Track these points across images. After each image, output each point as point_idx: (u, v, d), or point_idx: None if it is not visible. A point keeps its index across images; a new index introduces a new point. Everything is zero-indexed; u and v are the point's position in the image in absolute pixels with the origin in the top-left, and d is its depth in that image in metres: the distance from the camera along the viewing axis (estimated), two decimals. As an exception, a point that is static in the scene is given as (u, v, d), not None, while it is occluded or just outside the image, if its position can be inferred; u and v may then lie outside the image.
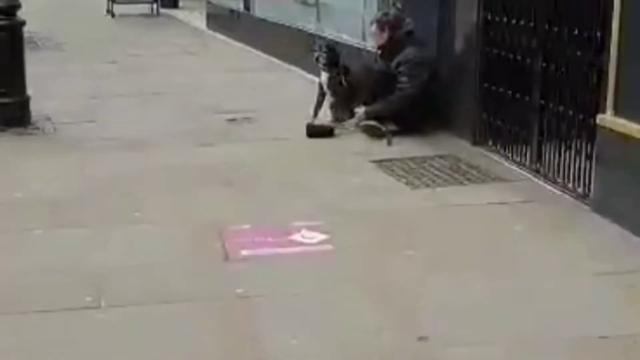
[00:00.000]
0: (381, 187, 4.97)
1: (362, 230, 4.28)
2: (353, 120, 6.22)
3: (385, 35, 6.08)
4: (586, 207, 4.48)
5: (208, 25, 12.72)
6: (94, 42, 11.37)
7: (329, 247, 4.08)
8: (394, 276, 3.72)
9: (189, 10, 15.33)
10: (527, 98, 5.17)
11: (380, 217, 4.46)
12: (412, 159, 5.50)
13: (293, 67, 9.01)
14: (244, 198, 4.84)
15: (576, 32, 4.61)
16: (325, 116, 6.42)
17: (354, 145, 5.88)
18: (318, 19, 8.60)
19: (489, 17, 5.54)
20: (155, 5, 14.82)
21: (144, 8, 14.79)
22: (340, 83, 6.34)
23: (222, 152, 5.77)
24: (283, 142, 6.01)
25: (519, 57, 5.23)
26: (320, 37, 8.21)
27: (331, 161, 5.54)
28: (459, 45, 5.95)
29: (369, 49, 7.32)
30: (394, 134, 6.00)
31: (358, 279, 3.70)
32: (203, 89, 8.05)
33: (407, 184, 5.01)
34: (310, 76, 8.39)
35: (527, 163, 5.17)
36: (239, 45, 10.97)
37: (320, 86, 6.47)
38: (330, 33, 8.18)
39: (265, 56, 9.91)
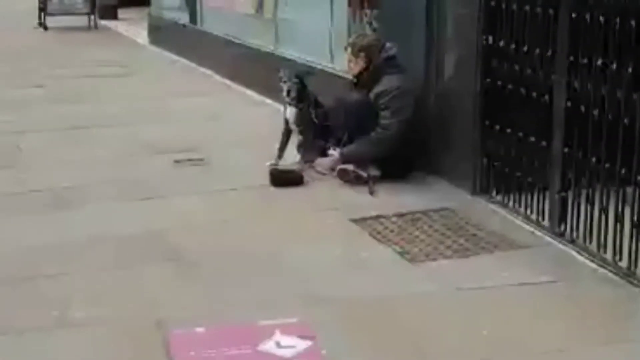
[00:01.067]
0: (370, 260, 3.94)
1: (354, 332, 3.22)
2: (326, 163, 5.21)
3: (362, 62, 5.06)
4: (635, 289, 3.55)
5: (150, 39, 11.59)
6: (20, 60, 10.15)
7: (313, 363, 3.06)
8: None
9: (129, 22, 14.16)
10: (544, 143, 4.23)
11: (377, 309, 3.41)
12: (402, 215, 4.49)
13: (249, 91, 7.93)
14: (195, 281, 3.74)
15: (615, 66, 3.69)
16: (292, 157, 5.39)
17: (329, 197, 4.84)
18: (276, 36, 7.58)
19: (491, 42, 4.59)
20: (92, 17, 13.61)
21: (80, 20, 13.57)
22: (311, 119, 5.35)
23: (166, 210, 4.66)
24: (242, 194, 4.92)
25: (533, 93, 4.29)
26: (282, 59, 7.18)
27: (303, 222, 4.47)
28: (452, 74, 4.96)
29: (339, 73, 6.32)
30: (376, 180, 5.02)
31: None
32: (145, 119, 6.92)
33: (402, 254, 3.99)
34: (269, 101, 7.37)
35: (547, 223, 4.21)
36: (185, 62, 9.86)
37: (286, 122, 5.43)
38: (291, 53, 7.17)
39: (216, 77, 8.81)
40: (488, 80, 4.64)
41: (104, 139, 6.31)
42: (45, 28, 13.30)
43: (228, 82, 8.45)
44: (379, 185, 4.95)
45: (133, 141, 6.15)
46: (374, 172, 5.03)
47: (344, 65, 6.19)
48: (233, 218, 4.53)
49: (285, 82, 5.29)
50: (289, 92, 5.24)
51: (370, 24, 5.88)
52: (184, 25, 10.09)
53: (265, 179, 5.08)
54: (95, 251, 4.09)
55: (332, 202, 4.75)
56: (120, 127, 6.66)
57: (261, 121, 6.70)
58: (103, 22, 13.97)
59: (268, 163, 5.39)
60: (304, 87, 5.30)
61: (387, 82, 4.98)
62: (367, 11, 5.95)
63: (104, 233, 4.32)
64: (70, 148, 6.10)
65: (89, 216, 4.62)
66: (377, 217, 4.47)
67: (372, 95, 5.00)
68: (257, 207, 4.71)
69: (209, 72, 9.03)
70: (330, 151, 5.17)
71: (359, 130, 4.97)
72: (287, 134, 5.44)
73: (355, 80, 5.20)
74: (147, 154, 5.83)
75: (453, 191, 4.86)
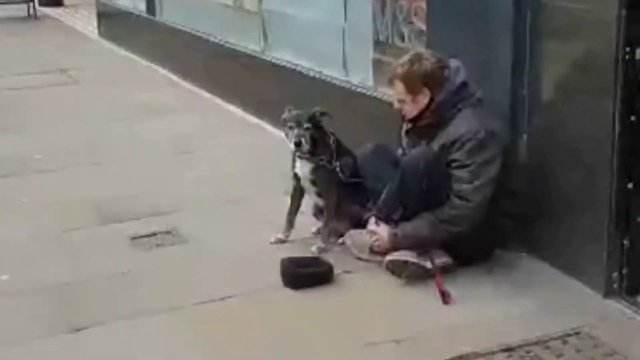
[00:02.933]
0: None
1: None
2: (365, 243, 3.40)
3: (423, 98, 3.22)
4: None
5: (100, 31, 9.61)
6: None
7: None
8: None
9: (76, 9, 12.11)
10: None
11: None
12: (510, 351, 2.72)
13: (229, 105, 6.05)
14: None
15: None
16: (307, 222, 3.64)
17: (379, 312, 3.01)
18: (263, 34, 5.72)
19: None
20: (32, 5, 11.54)
21: (19, 9, 11.49)
22: (334, 174, 3.49)
23: (114, 354, 2.84)
24: (235, 312, 3.05)
25: None
26: (272, 65, 5.34)
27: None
28: (562, 106, 3.15)
29: (358, 89, 4.53)
30: (446, 271, 3.27)
31: None
32: (89, 158, 4.98)
33: None
34: (258, 121, 5.57)
35: None
36: (144, 63, 7.90)
37: (297, 179, 3.61)
38: (285, 58, 5.31)
39: (184, 84, 6.87)
40: (633, 118, 2.90)
41: (25, 196, 4.34)
42: (-25, 20, 11.25)
43: (199, 90, 6.54)
44: (452, 277, 3.21)
45: (67, 201, 4.23)
46: (443, 258, 3.25)
47: (365, 79, 4.46)
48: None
49: (291, 127, 3.46)
50: (299, 143, 3.43)
51: (410, 23, 4.09)
52: (137, 16, 8.18)
53: (273, 274, 3.26)
54: None
55: (385, 323, 2.94)
56: (51, 173, 4.72)
57: (252, 155, 4.89)
58: (45, 11, 11.92)
59: (273, 239, 3.61)
60: (320, 132, 3.50)
61: (461, 125, 3.15)
62: (403, 3, 4.14)
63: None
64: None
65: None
66: (470, 357, 2.73)
67: (436, 145, 3.19)
68: (261, 341, 2.85)
69: (174, 77, 7.07)
70: (372, 225, 3.33)
71: (421, 201, 3.16)
72: (298, 195, 3.62)
73: (408, 125, 3.34)
74: (88, 225, 3.92)
75: (573, 289, 3.09)
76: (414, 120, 3.27)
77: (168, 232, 3.81)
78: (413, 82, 3.18)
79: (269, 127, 5.40)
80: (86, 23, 10.51)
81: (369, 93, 4.37)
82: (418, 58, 3.22)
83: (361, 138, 3.78)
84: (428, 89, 3.17)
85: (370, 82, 4.39)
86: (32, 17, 11.40)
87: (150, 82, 7.08)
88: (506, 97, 3.32)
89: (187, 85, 6.76)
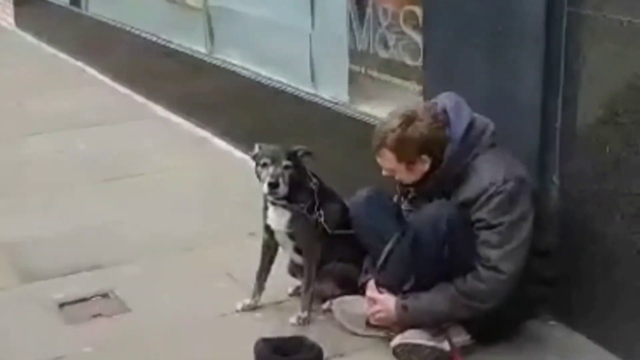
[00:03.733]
0: None
1: None
2: (360, 316, 2.68)
3: (421, 166, 2.49)
4: None
5: (17, 21, 8.59)
6: None
7: None
8: None
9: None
10: None
11: None
12: None
13: (167, 112, 5.24)
14: None
15: None
16: (281, 283, 2.95)
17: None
18: (210, 34, 4.91)
19: None
20: (-62, -11, 10.37)
21: None
22: (318, 226, 2.76)
23: None
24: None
25: None
26: (221, 71, 4.56)
27: None
28: (614, 145, 2.45)
29: (330, 105, 3.82)
30: (466, 351, 2.61)
31: None
32: (1, 188, 4.13)
33: None
34: (202, 133, 4.82)
35: None
36: (69, 61, 6.93)
37: (269, 232, 2.87)
38: (238, 64, 4.55)
39: (115, 86, 5.99)
40: None
41: None
42: None
43: (134, 96, 5.62)
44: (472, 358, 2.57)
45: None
46: (462, 336, 2.59)
47: (339, 93, 3.75)
48: None
49: (265, 165, 2.73)
50: (274, 184, 2.70)
51: (395, 28, 3.35)
52: (59, 6, 7.23)
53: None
54: None
55: None
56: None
57: (203, 180, 4.14)
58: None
59: (240, 306, 2.90)
60: (301, 174, 2.78)
61: (484, 173, 2.45)
62: (387, 6, 3.42)
63: None
64: None
65: None
66: None
67: (458, 200, 2.47)
68: None
69: (105, 79, 6.11)
70: (372, 291, 2.62)
71: (440, 268, 2.47)
72: (270, 252, 2.89)
73: (409, 191, 2.63)
74: (3, 285, 3.08)
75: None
76: (415, 185, 2.57)
77: (105, 295, 3.05)
78: (406, 151, 2.48)
79: (219, 143, 4.67)
80: (5, 14, 9.46)
81: (343, 110, 3.67)
82: (410, 120, 2.48)
83: (332, 165, 3.12)
84: (427, 156, 2.48)
85: (345, 98, 3.70)
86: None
87: (77, 85, 6.13)
88: (533, 132, 2.65)
89: (120, 89, 5.87)
